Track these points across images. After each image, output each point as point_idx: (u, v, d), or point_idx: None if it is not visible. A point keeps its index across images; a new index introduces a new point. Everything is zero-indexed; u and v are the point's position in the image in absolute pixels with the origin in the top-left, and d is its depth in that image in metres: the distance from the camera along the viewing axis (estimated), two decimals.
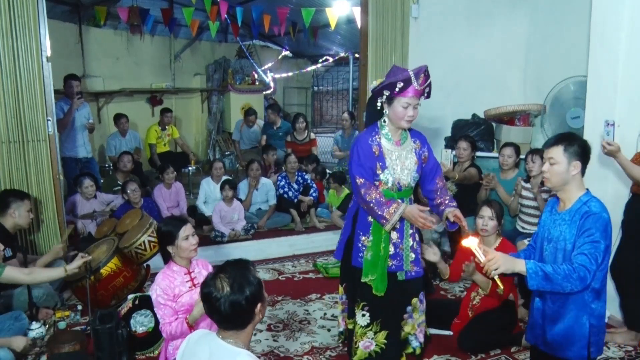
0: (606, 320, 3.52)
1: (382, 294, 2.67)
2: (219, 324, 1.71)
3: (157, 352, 3.17)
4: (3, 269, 2.94)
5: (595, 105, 3.59)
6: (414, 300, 2.80)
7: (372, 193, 2.59)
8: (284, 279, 4.43)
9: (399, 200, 2.63)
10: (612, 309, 3.53)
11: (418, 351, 2.89)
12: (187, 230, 2.65)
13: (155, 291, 2.59)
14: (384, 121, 2.69)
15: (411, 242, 2.75)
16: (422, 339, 2.89)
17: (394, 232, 2.70)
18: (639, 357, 3.16)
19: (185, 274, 2.68)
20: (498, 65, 5.41)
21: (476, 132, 5.20)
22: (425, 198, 2.96)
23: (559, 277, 2.05)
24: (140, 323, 3.16)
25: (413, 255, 2.76)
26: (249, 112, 7.76)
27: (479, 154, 4.82)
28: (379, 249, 2.67)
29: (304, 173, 6.28)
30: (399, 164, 2.67)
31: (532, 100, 5.24)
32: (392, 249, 2.71)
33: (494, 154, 5.00)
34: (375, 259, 2.67)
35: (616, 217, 3.20)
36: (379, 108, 2.66)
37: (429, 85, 2.60)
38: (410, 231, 2.75)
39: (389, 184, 2.65)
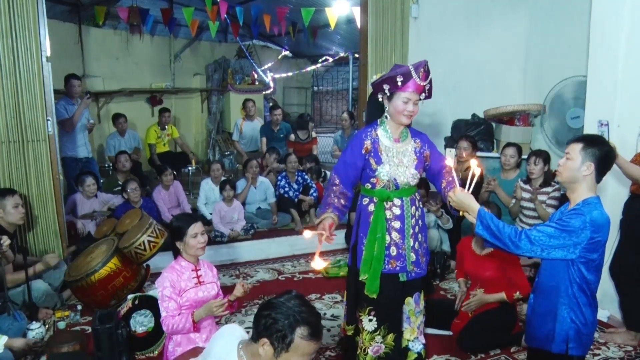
0: (606, 320, 3.53)
1: (374, 295, 2.65)
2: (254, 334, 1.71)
3: (157, 352, 3.18)
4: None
5: (595, 105, 3.59)
6: (408, 299, 2.77)
7: (330, 189, 2.70)
8: (283, 279, 4.43)
9: (332, 215, 2.62)
10: (612, 309, 3.53)
11: (424, 353, 2.85)
12: (196, 228, 2.68)
13: (162, 283, 2.60)
14: (385, 117, 2.69)
15: (412, 243, 2.74)
16: (424, 341, 2.86)
17: (395, 232, 2.69)
18: (639, 357, 3.16)
19: (192, 271, 2.72)
20: (498, 65, 5.41)
21: (476, 132, 5.20)
22: (439, 201, 2.95)
23: (503, 236, 2.09)
24: (140, 323, 3.17)
25: (414, 256, 2.75)
26: (246, 103, 7.55)
27: (479, 154, 4.82)
28: (372, 249, 2.67)
29: (304, 173, 6.28)
30: (397, 161, 2.67)
31: (532, 100, 5.24)
32: (394, 250, 2.70)
33: (494, 154, 5.00)
34: (368, 259, 2.66)
35: (615, 217, 3.21)
36: (380, 102, 2.66)
37: (430, 82, 2.60)
38: (411, 231, 2.75)
39: (385, 180, 2.65)
